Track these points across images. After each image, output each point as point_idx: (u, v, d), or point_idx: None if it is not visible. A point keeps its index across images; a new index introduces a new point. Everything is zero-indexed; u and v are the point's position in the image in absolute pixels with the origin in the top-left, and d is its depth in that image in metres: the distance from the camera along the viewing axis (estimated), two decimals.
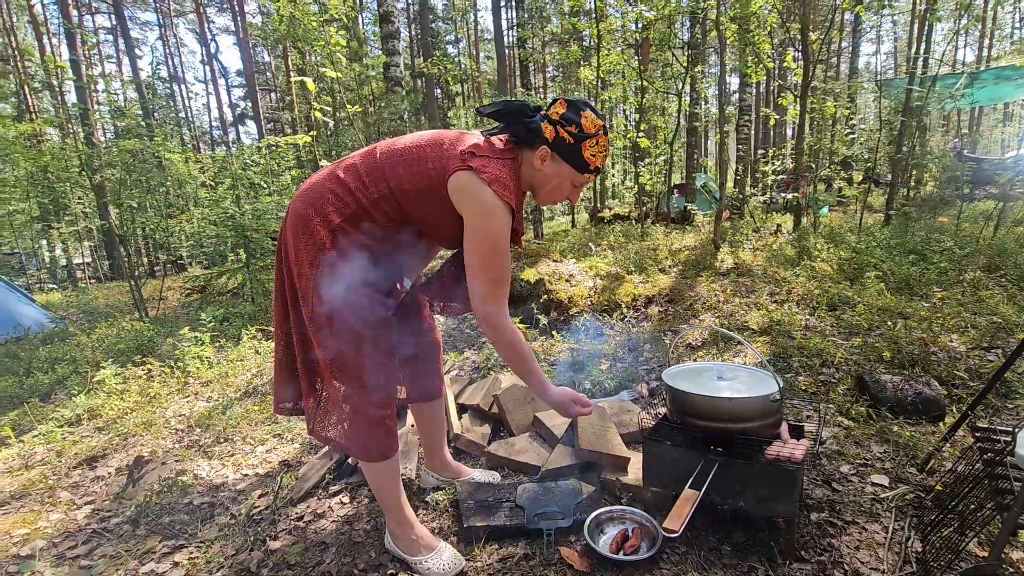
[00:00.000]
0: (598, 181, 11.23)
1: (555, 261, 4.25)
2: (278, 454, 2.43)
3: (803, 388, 2.57)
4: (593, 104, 1.41)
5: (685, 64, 7.72)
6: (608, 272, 4.29)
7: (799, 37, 5.66)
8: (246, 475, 2.27)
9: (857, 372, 2.58)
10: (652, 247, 5.52)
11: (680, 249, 5.34)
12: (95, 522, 2.00)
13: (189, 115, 27.84)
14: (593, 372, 2.80)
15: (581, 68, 8.46)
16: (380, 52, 7.14)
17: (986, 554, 1.45)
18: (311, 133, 5.44)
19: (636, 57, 8.33)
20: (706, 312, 3.65)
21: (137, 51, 20.71)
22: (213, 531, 1.86)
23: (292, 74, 15.97)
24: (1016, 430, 1.37)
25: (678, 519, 1.29)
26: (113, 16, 19.92)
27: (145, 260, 13.51)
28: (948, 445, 1.93)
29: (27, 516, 2.08)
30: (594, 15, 7.53)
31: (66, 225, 12.52)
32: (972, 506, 1.41)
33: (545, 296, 3.75)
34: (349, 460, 2.14)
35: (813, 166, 8.09)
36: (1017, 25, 23.32)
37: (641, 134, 7.58)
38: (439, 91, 17.15)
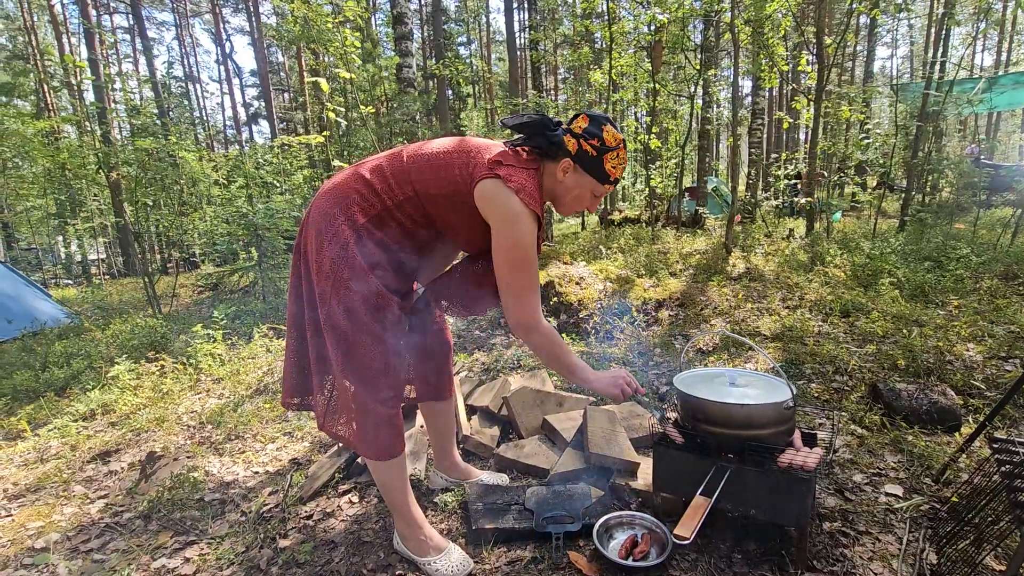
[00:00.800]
0: None
1: (565, 263, 4.25)
2: (288, 452, 2.44)
3: (815, 395, 2.54)
4: (612, 118, 1.46)
5: (698, 67, 7.68)
6: (618, 275, 4.28)
7: (814, 40, 5.61)
8: (256, 472, 2.29)
9: (871, 380, 2.55)
10: (663, 251, 5.49)
11: (691, 253, 5.31)
12: (108, 516, 2.02)
13: (204, 114, 28.16)
14: None
15: (592, 71, 8.45)
16: (393, 53, 7.18)
17: (1003, 568, 1.43)
18: (324, 133, 5.48)
19: (648, 59, 8.31)
20: (717, 317, 3.62)
21: (154, 51, 20.99)
22: (224, 528, 1.88)
23: (306, 75, 16.11)
24: None
25: (689, 526, 1.28)
26: (131, 16, 20.20)
27: (158, 257, 13.68)
28: (964, 456, 1.90)
29: (42, 509, 2.10)
30: (606, 17, 7.52)
31: (82, 222, 12.72)
32: (989, 519, 1.39)
33: (555, 299, 3.75)
34: (359, 459, 2.15)
35: (825, 174, 8.01)
36: None
37: (653, 137, 7.55)
38: (451, 92, 17.20)
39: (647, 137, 7.43)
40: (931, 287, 3.78)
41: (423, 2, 22.92)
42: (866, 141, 7.02)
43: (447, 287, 1.70)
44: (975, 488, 1.57)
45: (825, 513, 1.70)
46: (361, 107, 5.09)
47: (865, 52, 19.15)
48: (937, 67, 6.51)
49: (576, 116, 1.45)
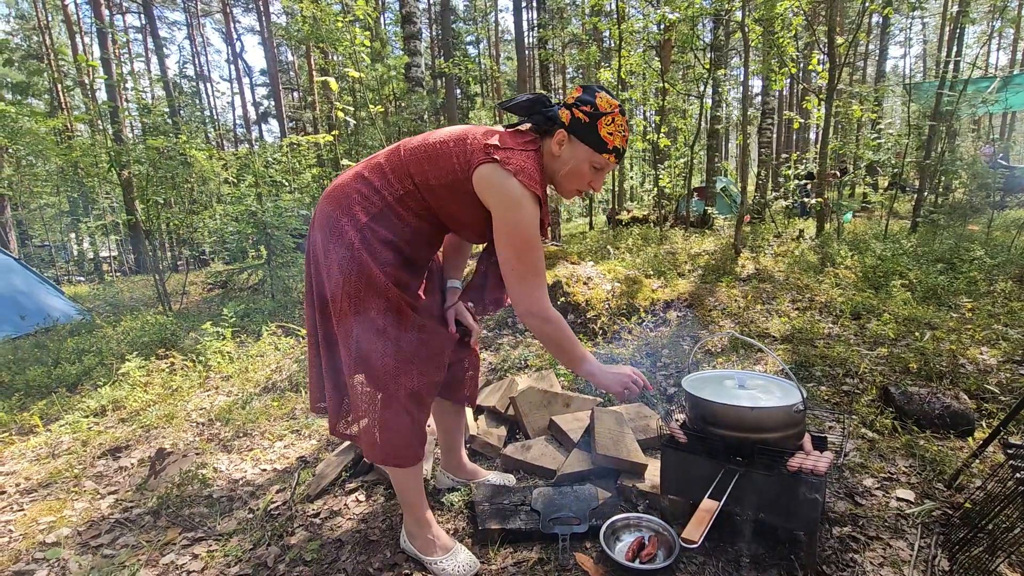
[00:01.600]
0: (616, 183, 11.17)
1: (573, 263, 4.23)
2: (296, 450, 2.45)
3: (825, 398, 2.51)
4: (608, 89, 1.42)
5: (707, 66, 7.63)
6: (626, 275, 4.26)
7: (825, 40, 5.56)
8: (264, 470, 2.30)
9: (882, 383, 2.52)
10: (671, 251, 5.46)
11: (699, 253, 5.28)
12: (118, 512, 2.04)
13: (214, 113, 28.37)
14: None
15: (601, 70, 8.43)
16: (401, 52, 7.20)
17: None
18: (333, 132, 5.50)
19: (657, 58, 8.27)
20: (726, 318, 3.60)
21: (165, 50, 21.17)
22: (231, 525, 1.89)
23: (315, 74, 16.19)
24: None
25: (698, 530, 1.27)
26: (143, 15, 20.39)
27: (169, 255, 13.82)
28: (978, 461, 1.87)
29: (53, 504, 2.13)
30: (615, 16, 7.49)
31: (94, 219, 12.88)
32: (1004, 526, 1.36)
33: (563, 299, 3.74)
34: (365, 458, 2.15)
35: (838, 173, 7.93)
36: None
37: (661, 136, 7.52)
38: (459, 91, 17.22)
39: (656, 136, 7.39)
40: (944, 289, 3.73)
41: (431, 1, 22.95)
42: (878, 141, 6.94)
43: (472, 286, 1.67)
44: (989, 494, 1.54)
45: (835, 518, 1.68)
46: (370, 106, 5.11)
47: (877, 51, 18.96)
48: (951, 66, 6.42)
49: (571, 90, 1.42)
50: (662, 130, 7.57)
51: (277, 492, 2.08)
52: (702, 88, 8.03)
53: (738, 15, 6.22)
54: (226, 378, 3.51)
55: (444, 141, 1.39)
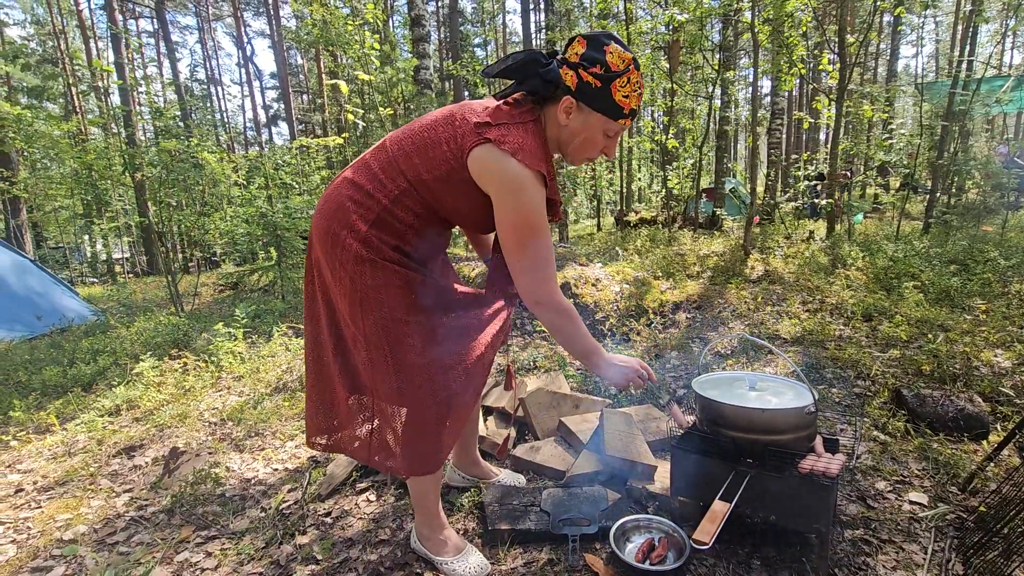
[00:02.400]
0: (624, 184, 11.15)
1: (581, 265, 4.24)
2: (307, 450, 2.47)
3: (837, 400, 2.50)
4: (617, 35, 1.21)
5: (716, 67, 7.60)
6: (635, 277, 4.25)
7: (836, 39, 5.52)
8: (276, 469, 2.32)
9: (894, 385, 2.50)
10: (680, 252, 5.45)
11: (708, 255, 5.26)
12: (133, 510, 2.07)
13: (225, 116, 28.66)
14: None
15: None
16: (410, 55, 7.24)
17: None
18: (343, 135, 5.54)
19: (666, 59, 8.24)
20: (736, 320, 3.58)
21: (176, 54, 21.43)
22: (244, 523, 1.91)
23: (324, 77, 16.30)
24: None
25: (708, 531, 1.27)
26: (155, 20, 20.66)
27: (181, 256, 13.96)
28: (993, 465, 1.85)
29: (70, 502, 2.16)
30: (624, 17, 7.49)
31: (107, 221, 13.04)
32: (1020, 530, 1.35)
33: (571, 300, 3.74)
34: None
35: (849, 174, 7.86)
36: None
37: (670, 137, 7.49)
38: (467, 93, 17.27)
39: (664, 138, 7.37)
40: (957, 291, 3.69)
41: (440, 4, 23.05)
42: (889, 142, 6.88)
43: (493, 279, 1.57)
44: (1004, 498, 1.53)
45: (847, 520, 1.67)
46: (379, 109, 5.14)
47: (889, 50, 18.79)
48: (964, 65, 6.35)
49: (571, 41, 1.21)
50: (670, 131, 7.54)
51: (289, 491, 2.10)
52: (711, 89, 8.00)
53: (747, 15, 6.19)
54: (238, 378, 3.54)
55: (431, 127, 1.25)
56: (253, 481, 2.23)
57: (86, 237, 14.76)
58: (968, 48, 6.57)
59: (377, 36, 4.95)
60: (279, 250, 6.35)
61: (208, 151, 6.62)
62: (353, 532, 1.79)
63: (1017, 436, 1.83)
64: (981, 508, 1.64)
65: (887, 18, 15.11)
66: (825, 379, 2.69)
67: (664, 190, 8.08)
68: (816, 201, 6.81)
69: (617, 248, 6.00)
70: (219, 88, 27.98)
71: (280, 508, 1.98)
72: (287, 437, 2.63)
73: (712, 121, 8.58)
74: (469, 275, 4.13)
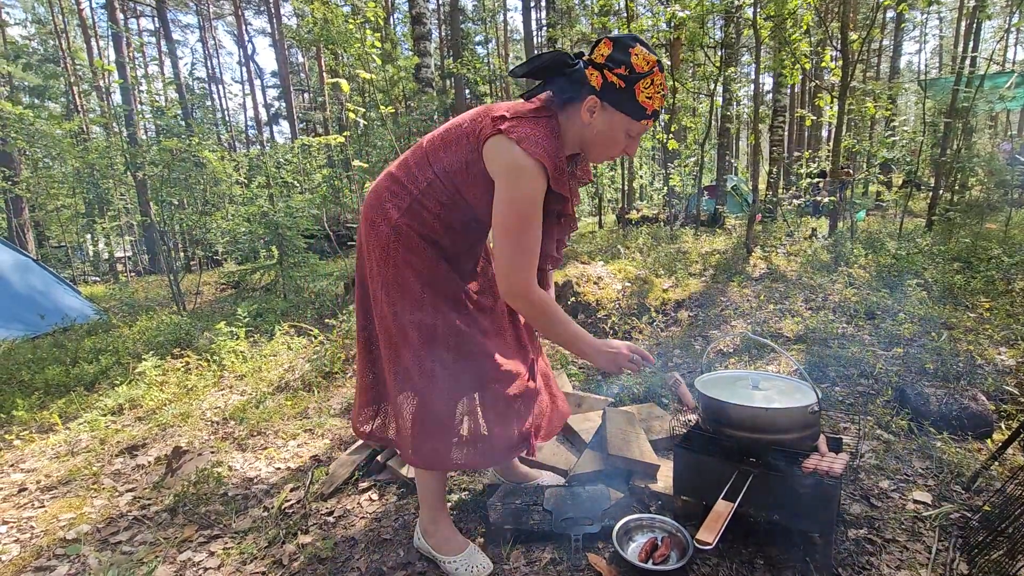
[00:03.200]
0: (626, 181, 11.13)
1: (583, 263, 4.23)
2: (309, 449, 2.48)
3: (840, 399, 2.49)
4: (643, 39, 1.25)
5: (718, 64, 7.58)
6: (637, 275, 4.25)
7: (838, 36, 5.49)
8: (278, 469, 2.32)
9: (898, 384, 2.49)
10: (682, 250, 5.44)
11: (711, 253, 5.25)
12: (136, 509, 2.07)
13: (226, 115, 28.66)
14: (622, 377, 2.77)
15: None
16: (411, 53, 7.23)
17: None
18: (344, 133, 5.54)
19: (667, 56, 8.22)
20: (738, 318, 3.58)
21: (178, 53, 21.44)
22: (247, 523, 1.91)
23: (325, 75, 16.30)
24: None
25: (712, 531, 1.26)
26: (156, 19, 20.66)
27: (183, 255, 13.99)
28: (997, 464, 1.84)
29: (73, 501, 2.17)
30: (625, 15, 7.46)
31: (109, 220, 13.06)
32: None
33: (573, 299, 3.74)
34: (378, 458, 2.17)
35: (851, 172, 7.84)
36: None
37: (671, 135, 7.48)
38: (468, 91, 17.24)
39: (666, 137, 7.35)
40: (960, 289, 3.67)
41: (441, 2, 23.00)
42: (892, 138, 6.85)
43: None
44: (1009, 497, 1.52)
45: (850, 520, 1.66)
46: (380, 107, 5.13)
47: (892, 47, 18.71)
48: (967, 61, 6.31)
49: (597, 43, 1.24)
50: (672, 129, 7.52)
51: (291, 491, 2.10)
52: (712, 86, 7.97)
53: (749, 12, 6.17)
54: (240, 377, 3.55)
55: (459, 124, 1.34)
56: (255, 480, 2.23)
57: (88, 236, 14.78)
58: (971, 44, 6.53)
59: (378, 34, 4.94)
60: (280, 249, 6.35)
61: (209, 150, 6.62)
62: (355, 531, 1.79)
63: (1022, 435, 1.82)
64: (985, 507, 1.63)
65: (890, 14, 15.05)
66: (828, 378, 2.68)
67: (666, 188, 8.07)
68: (818, 199, 6.79)
69: (619, 246, 5.99)
70: (220, 87, 28.00)
71: (283, 507, 1.99)
72: (289, 436, 2.63)
73: (714, 118, 8.55)
74: None
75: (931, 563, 1.47)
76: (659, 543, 1.54)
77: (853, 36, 5.45)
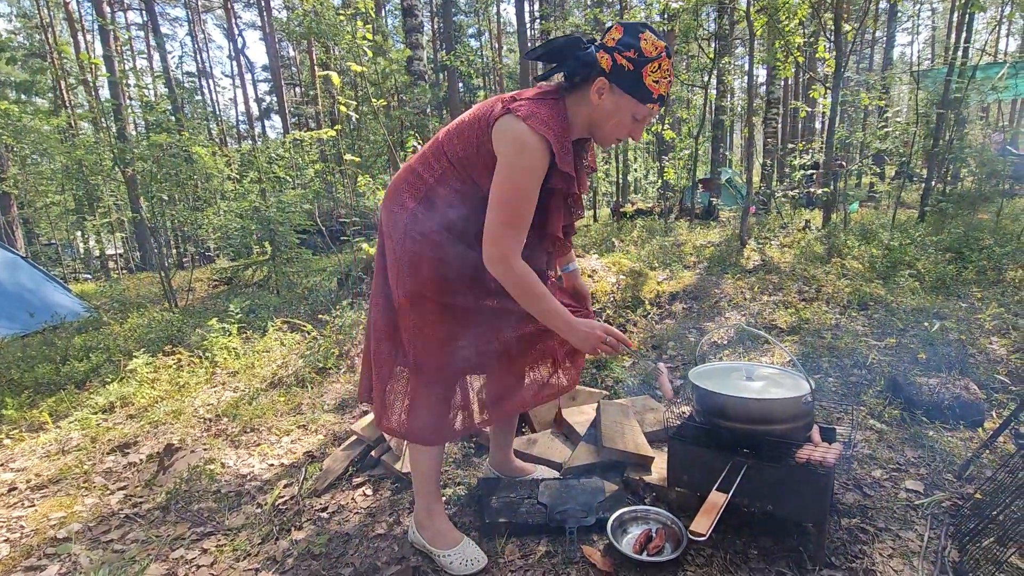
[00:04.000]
0: (620, 175, 11.12)
1: (577, 256, 4.22)
2: (303, 445, 2.46)
3: (833, 389, 2.50)
4: (653, 27, 1.30)
5: (712, 56, 7.56)
6: (631, 268, 4.24)
7: (832, 27, 5.48)
8: (272, 465, 2.31)
9: (890, 374, 2.51)
10: (676, 243, 5.43)
11: (705, 245, 5.25)
12: (127, 507, 2.05)
13: (217, 109, 28.37)
14: (615, 369, 2.77)
15: None
16: (403, 46, 7.17)
17: None
18: (336, 127, 5.49)
19: None
20: (732, 310, 3.58)
21: (167, 47, 21.18)
22: (240, 519, 1.90)
23: (316, 69, 16.15)
24: None
25: (705, 522, 1.26)
26: (144, 12, 20.37)
27: (174, 252, 13.87)
28: (988, 452, 1.86)
29: (63, 500, 2.15)
30: (618, 6, 7.41)
31: (99, 217, 12.92)
32: (1015, 516, 1.35)
33: None
34: (372, 453, 2.16)
35: (844, 164, 7.85)
36: None
37: (665, 127, 7.46)
38: (461, 84, 17.13)
39: (660, 128, 7.33)
40: (952, 279, 3.69)
41: None
42: (885, 130, 6.86)
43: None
44: (999, 485, 1.53)
45: (844, 509, 1.67)
46: (372, 100, 5.09)
47: (885, 38, 18.72)
48: (960, 52, 6.31)
49: (609, 28, 1.30)
50: (666, 121, 7.50)
51: (285, 487, 2.09)
52: (706, 78, 7.95)
53: (743, 3, 6.14)
54: (232, 374, 3.52)
55: (472, 112, 1.38)
56: (249, 477, 2.21)
57: (78, 233, 14.64)
58: (964, 35, 6.53)
59: (369, 26, 4.88)
60: (273, 245, 6.30)
61: (200, 145, 6.55)
62: (349, 527, 1.78)
63: (1013, 423, 1.84)
64: (977, 495, 1.65)
65: (883, 4, 15.05)
66: (821, 368, 2.69)
67: (660, 181, 8.06)
68: (812, 190, 6.80)
69: (613, 239, 5.98)
70: (210, 81, 27.69)
71: (276, 504, 1.97)
72: (283, 432, 2.62)
73: (708, 111, 8.52)
74: None
75: (923, 551, 1.48)
76: (653, 535, 1.54)
77: (846, 27, 5.44)
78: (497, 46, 26.42)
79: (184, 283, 7.75)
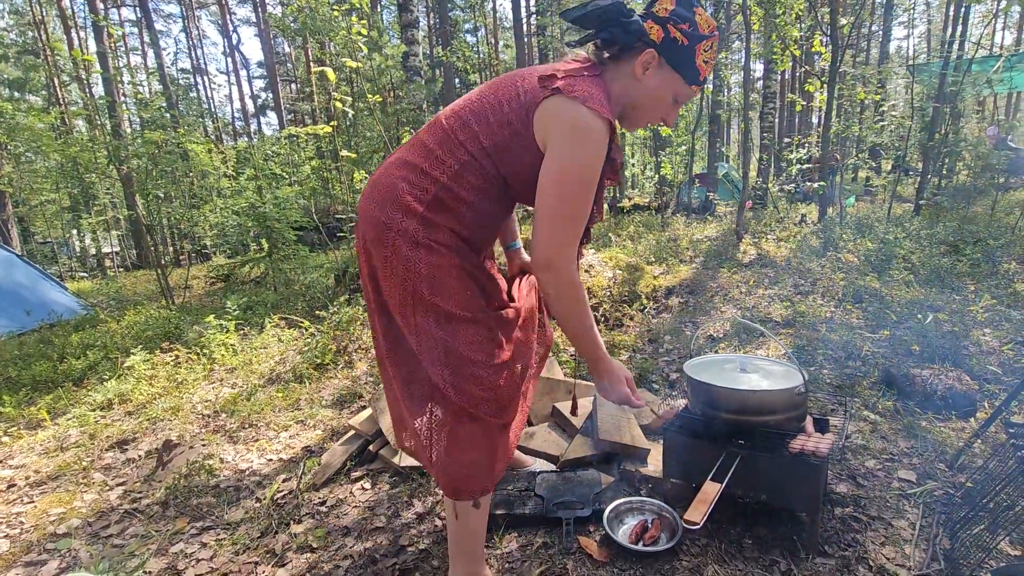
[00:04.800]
0: None
1: None
2: (301, 440, 2.47)
3: (827, 381, 2.52)
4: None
5: None
6: (628, 263, 4.25)
7: (828, 21, 5.48)
8: (270, 460, 2.32)
9: (884, 366, 2.53)
10: (672, 238, 5.45)
11: (701, 240, 5.27)
12: (127, 503, 2.06)
13: (212, 106, 28.23)
14: None
15: None
16: (398, 41, 7.13)
17: (1018, 553, 1.42)
18: (332, 123, 5.47)
19: None
20: (728, 304, 3.60)
21: (161, 43, 21.06)
22: (239, 514, 1.91)
23: (312, 65, 16.08)
24: None
25: (700, 511, 1.28)
26: (138, 9, 20.23)
27: (171, 249, 13.82)
28: (980, 442, 1.88)
29: (63, 496, 2.15)
30: None
31: (95, 215, 12.87)
32: (1005, 504, 1.37)
33: None
34: (370, 447, 2.17)
35: (839, 157, 7.87)
36: None
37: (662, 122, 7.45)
38: (457, 80, 17.07)
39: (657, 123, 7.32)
40: (947, 272, 3.72)
41: None
42: (881, 124, 6.88)
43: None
44: (990, 473, 1.55)
45: (837, 498, 1.69)
46: (368, 96, 5.07)
47: (881, 32, 18.71)
48: (955, 46, 6.33)
49: None
50: None
51: (283, 481, 2.10)
52: None
53: None
54: (230, 370, 3.53)
55: (491, 90, 1.17)
56: (247, 472, 2.23)
57: (74, 231, 14.58)
58: (960, 29, 6.54)
59: (364, 22, 4.86)
60: (270, 241, 6.29)
61: (196, 142, 6.52)
62: (348, 520, 1.79)
63: (1004, 413, 1.86)
64: (968, 484, 1.67)
65: None
66: (816, 360, 2.71)
67: (657, 176, 8.06)
68: (808, 183, 6.82)
69: (610, 234, 5.99)
70: (205, 78, 27.53)
71: (275, 498, 1.99)
72: (281, 428, 2.62)
73: (705, 106, 8.52)
74: None
75: (915, 539, 1.50)
76: (649, 525, 1.56)
77: (843, 20, 5.44)
78: (493, 41, 26.32)
79: (181, 280, 7.74)
